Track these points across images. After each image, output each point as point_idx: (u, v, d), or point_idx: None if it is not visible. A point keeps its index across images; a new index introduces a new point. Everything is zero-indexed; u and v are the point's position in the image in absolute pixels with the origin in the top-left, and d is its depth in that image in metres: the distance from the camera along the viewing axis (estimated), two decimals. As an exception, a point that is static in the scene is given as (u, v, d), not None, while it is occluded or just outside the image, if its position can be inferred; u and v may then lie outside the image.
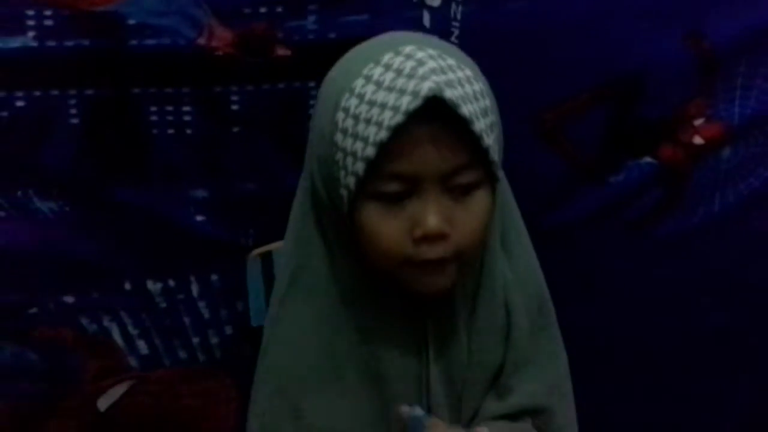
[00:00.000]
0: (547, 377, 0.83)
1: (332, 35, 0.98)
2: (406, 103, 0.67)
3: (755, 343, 1.14)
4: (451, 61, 0.71)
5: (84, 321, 1.10)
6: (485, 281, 0.80)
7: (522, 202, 0.93)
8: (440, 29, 0.97)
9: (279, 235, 0.88)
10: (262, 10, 0.97)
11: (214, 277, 1.10)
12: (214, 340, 1.13)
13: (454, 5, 0.98)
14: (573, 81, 1.02)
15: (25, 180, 1.03)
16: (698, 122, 1.04)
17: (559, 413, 0.84)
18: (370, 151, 0.68)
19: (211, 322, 1.12)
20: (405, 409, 0.76)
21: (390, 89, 0.68)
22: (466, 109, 0.68)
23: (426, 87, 0.67)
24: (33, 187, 1.03)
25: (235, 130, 1.02)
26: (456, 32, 0.99)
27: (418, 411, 0.75)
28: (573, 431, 0.87)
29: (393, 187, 0.70)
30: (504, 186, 0.81)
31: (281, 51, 0.98)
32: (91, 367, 1.11)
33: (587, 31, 1.00)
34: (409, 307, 0.79)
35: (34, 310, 1.09)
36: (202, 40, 0.97)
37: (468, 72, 0.71)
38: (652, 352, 1.13)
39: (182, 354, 1.14)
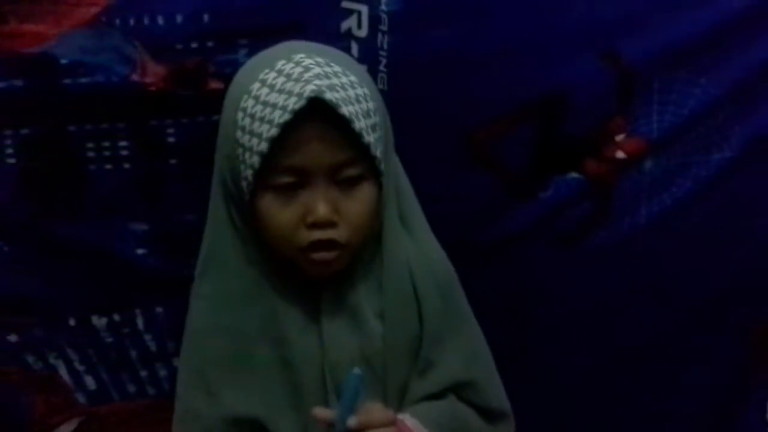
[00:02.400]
0: (465, 350, 0.90)
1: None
2: (293, 103, 0.77)
3: (686, 350, 1.17)
4: (337, 68, 0.80)
5: (29, 359, 1.10)
6: (390, 260, 0.87)
7: (456, 220, 0.96)
8: (369, 59, 1.01)
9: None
10: (194, 45, 0.99)
11: (159, 310, 1.11)
12: (163, 373, 1.14)
13: (380, 35, 1.02)
14: (499, 102, 1.06)
15: (-38, 221, 1.03)
16: (620, 138, 1.09)
17: (483, 383, 0.90)
18: (264, 146, 0.78)
19: (159, 354, 1.13)
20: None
21: (280, 91, 0.78)
22: (346, 110, 0.78)
23: (309, 89, 0.77)
24: (-28, 227, 1.04)
25: (173, 162, 1.04)
26: (384, 61, 1.02)
27: (357, 370, 0.79)
28: (501, 399, 0.92)
29: (286, 179, 0.80)
30: (398, 176, 0.89)
31: (214, 84, 1.01)
32: (38, 405, 1.10)
33: (510, 55, 1.04)
34: (309, 293, 0.85)
35: (-23, 351, 1.09)
36: (135, 76, 0.99)
37: (353, 78, 0.81)
38: (586, 363, 1.16)
39: (131, 388, 1.14)
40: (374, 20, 1.01)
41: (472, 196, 1.09)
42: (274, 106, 0.77)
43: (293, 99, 0.77)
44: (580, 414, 1.19)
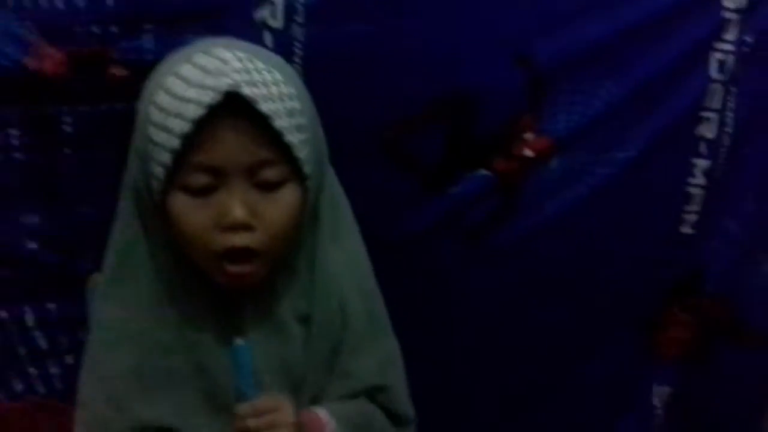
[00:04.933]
0: (382, 355, 0.89)
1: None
2: (208, 97, 0.71)
3: (584, 343, 1.22)
4: (260, 65, 0.75)
5: None
6: (319, 274, 0.83)
7: (369, 215, 0.95)
8: (283, 51, 0.97)
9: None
10: (95, 29, 0.93)
11: (50, 306, 1.05)
12: (54, 370, 1.08)
13: (296, 27, 0.99)
14: (412, 99, 1.06)
15: None
16: (528, 136, 1.11)
17: (396, 389, 0.90)
18: (175, 143, 0.72)
19: (51, 351, 1.08)
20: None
21: (195, 85, 0.72)
22: (266, 107, 0.73)
23: (225, 83, 0.72)
24: None
25: (67, 152, 0.98)
26: (299, 53, 0.99)
27: (239, 341, 0.77)
28: (408, 406, 0.92)
29: (200, 179, 0.74)
30: (332, 185, 0.86)
31: (116, 71, 0.95)
32: None
33: (425, 53, 1.04)
34: (228, 299, 0.81)
35: None
36: (29, 61, 0.92)
37: (278, 76, 0.75)
38: (492, 354, 1.19)
39: (18, 386, 1.08)
40: (290, 11, 0.98)
41: (384, 191, 1.08)
42: (188, 100, 0.72)
43: (208, 93, 0.71)
44: (482, 407, 1.22)
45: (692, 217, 1.18)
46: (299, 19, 0.98)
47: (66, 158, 0.98)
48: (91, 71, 0.94)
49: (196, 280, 0.80)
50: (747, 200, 1.18)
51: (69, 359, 1.08)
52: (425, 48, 1.03)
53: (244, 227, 0.75)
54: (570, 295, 1.18)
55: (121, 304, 0.82)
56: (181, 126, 0.72)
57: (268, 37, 0.98)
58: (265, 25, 0.98)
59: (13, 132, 0.95)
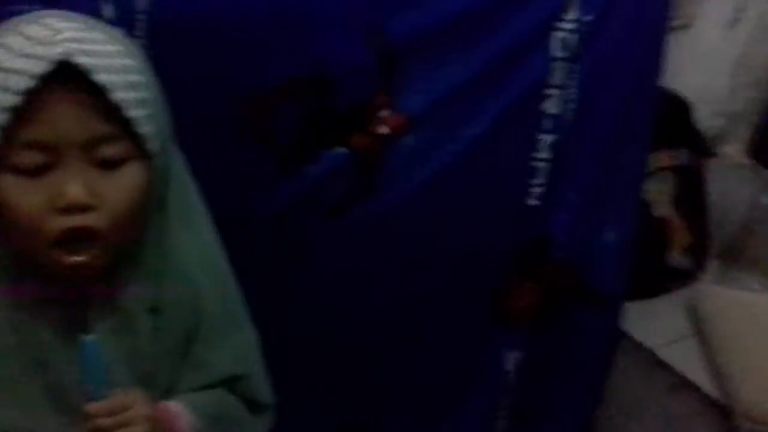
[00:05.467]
0: (239, 345, 0.87)
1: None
2: (37, 67, 0.66)
3: (439, 312, 1.26)
4: (98, 35, 0.70)
5: None
6: (169, 261, 0.80)
7: (224, 195, 0.92)
8: (124, 22, 0.92)
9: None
10: None
11: None
12: None
13: (138, -4, 0.93)
14: (266, 77, 1.03)
15: None
16: (384, 113, 1.12)
17: (255, 376, 0.88)
18: (2, 118, 0.67)
19: None
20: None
21: (21, 55, 0.67)
22: (103, 78, 0.68)
23: (57, 52, 0.67)
24: None
25: None
26: (142, 26, 0.94)
27: (88, 337, 0.73)
28: (267, 394, 0.91)
29: (31, 157, 0.68)
30: (178, 168, 0.81)
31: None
32: None
33: (278, 27, 1.01)
34: (69, 290, 0.76)
35: None
36: None
37: (117, 47, 0.71)
38: (350, 329, 1.20)
39: None
40: (132, -22, 0.93)
41: (241, 171, 1.06)
42: (15, 71, 0.66)
43: (38, 63, 0.66)
44: (341, 385, 1.24)
45: (537, 190, 1.23)
46: (142, -13, 0.93)
47: None
48: None
49: (30, 272, 0.74)
50: (588, 172, 1.25)
51: None
52: (278, 22, 1.01)
53: (83, 208, 0.69)
54: (425, 269, 1.21)
55: None
56: (8, 99, 0.66)
57: (107, 8, 0.93)
58: (103, -6, 0.92)
59: None
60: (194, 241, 0.83)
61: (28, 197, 0.68)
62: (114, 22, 0.91)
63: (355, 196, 1.14)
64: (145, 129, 0.71)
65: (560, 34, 1.16)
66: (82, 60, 0.67)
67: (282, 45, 1.02)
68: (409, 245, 1.19)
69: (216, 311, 0.84)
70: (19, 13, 0.86)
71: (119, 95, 0.69)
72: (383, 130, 1.12)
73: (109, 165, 0.70)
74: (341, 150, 1.12)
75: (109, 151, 0.70)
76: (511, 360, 1.32)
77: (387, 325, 1.22)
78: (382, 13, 1.07)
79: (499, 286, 1.27)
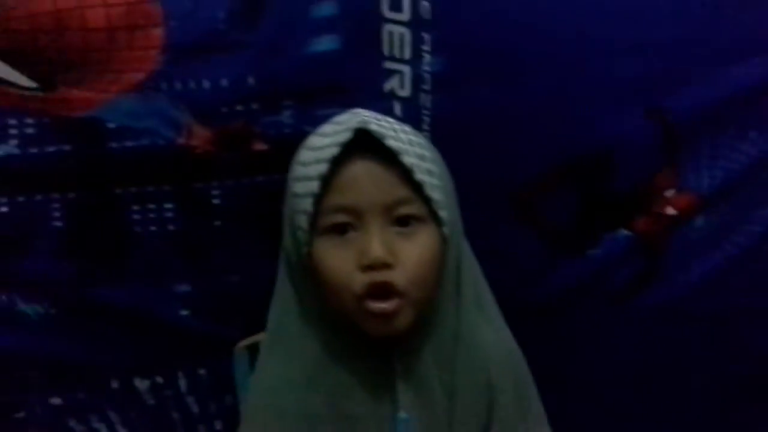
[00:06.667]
0: None
1: (307, 128, 1.00)
2: (341, 137, 0.77)
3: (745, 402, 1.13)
4: (394, 124, 0.80)
5: (72, 422, 1.09)
6: (463, 344, 0.82)
7: (503, 280, 0.94)
8: (411, 118, 1.00)
9: (265, 326, 0.89)
10: (239, 108, 1.00)
11: (201, 372, 1.10)
12: (205, 435, 1.12)
13: (423, 95, 1.01)
14: (543, 160, 1.05)
15: (9, 283, 1.04)
16: (669, 193, 1.07)
17: None
18: (315, 186, 0.76)
19: (201, 417, 1.12)
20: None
21: (330, 134, 0.78)
22: (394, 143, 0.76)
23: (355, 122, 0.77)
24: (17, 290, 1.04)
25: (217, 223, 1.04)
26: (427, 120, 1.02)
27: (404, 415, 0.76)
28: None
29: (339, 218, 0.77)
30: (470, 255, 0.85)
31: (258, 146, 1.01)
32: (81, 468, 1.09)
33: (553, 112, 1.03)
34: (380, 367, 0.81)
35: (21, 414, 1.08)
36: (181, 140, 1.00)
37: (408, 129, 0.80)
38: (634, 426, 1.13)
39: (173, 450, 1.13)
40: (417, 80, 1.01)
41: (518, 255, 1.07)
42: (323, 148, 0.77)
43: (342, 133, 0.77)
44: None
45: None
46: (426, 87, 1.01)
47: (215, 229, 1.04)
48: (235, 147, 1.01)
49: (348, 348, 0.81)
50: None
51: (218, 425, 1.12)
52: (555, 106, 1.02)
53: (384, 265, 0.75)
54: (726, 362, 1.10)
55: (274, 373, 0.84)
56: (319, 169, 0.76)
57: (396, 106, 1.02)
58: (393, 95, 1.01)
59: (168, 206, 1.03)
60: (489, 325, 0.85)
61: (338, 255, 0.77)
62: (403, 119, 1.00)
63: (639, 281, 1.09)
64: (435, 194, 0.78)
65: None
66: (374, 127, 0.76)
67: (559, 128, 1.03)
68: (703, 338, 1.10)
69: (512, 411, 0.83)
70: (324, 116, 0.99)
71: (409, 159, 0.76)
72: (669, 210, 1.07)
73: (406, 225, 0.77)
74: (625, 232, 1.08)
75: (406, 210, 0.77)
76: None
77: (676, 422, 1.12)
78: (663, 88, 1.03)
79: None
